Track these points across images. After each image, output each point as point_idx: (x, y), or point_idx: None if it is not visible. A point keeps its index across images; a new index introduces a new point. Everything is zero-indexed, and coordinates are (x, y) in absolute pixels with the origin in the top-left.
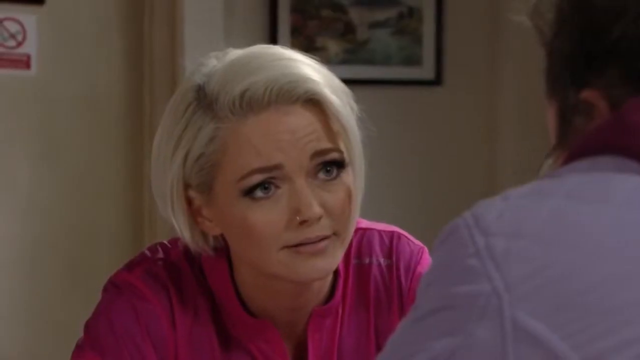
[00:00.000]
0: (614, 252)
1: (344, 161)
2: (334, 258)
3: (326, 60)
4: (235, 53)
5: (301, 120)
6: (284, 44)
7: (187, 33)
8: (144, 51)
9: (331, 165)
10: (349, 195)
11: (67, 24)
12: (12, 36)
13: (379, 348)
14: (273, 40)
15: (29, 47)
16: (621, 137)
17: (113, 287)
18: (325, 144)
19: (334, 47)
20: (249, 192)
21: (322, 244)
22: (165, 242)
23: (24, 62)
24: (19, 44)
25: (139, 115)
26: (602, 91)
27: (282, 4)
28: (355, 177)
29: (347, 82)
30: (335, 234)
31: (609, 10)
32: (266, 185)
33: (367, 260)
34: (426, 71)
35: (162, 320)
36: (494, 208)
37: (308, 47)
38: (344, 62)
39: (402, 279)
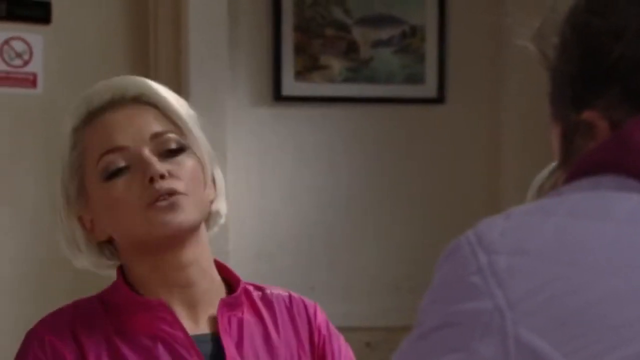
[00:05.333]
0: (616, 269)
1: (183, 144)
2: (187, 213)
3: (329, 78)
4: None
5: (137, 113)
6: (287, 62)
7: (192, 51)
8: (150, 69)
9: (175, 150)
10: (192, 168)
11: (73, 42)
12: (19, 55)
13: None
14: (277, 58)
15: (35, 66)
16: (622, 157)
17: (25, 339)
18: (161, 128)
19: (337, 65)
20: (106, 172)
21: (173, 198)
22: None
23: (30, 81)
24: (26, 62)
25: None
26: (603, 111)
27: (285, 22)
28: (200, 163)
29: (350, 100)
30: (185, 192)
31: (608, 31)
32: (120, 169)
33: (268, 291)
34: (429, 89)
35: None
36: (497, 226)
37: (311, 65)
38: (347, 80)
39: (308, 309)
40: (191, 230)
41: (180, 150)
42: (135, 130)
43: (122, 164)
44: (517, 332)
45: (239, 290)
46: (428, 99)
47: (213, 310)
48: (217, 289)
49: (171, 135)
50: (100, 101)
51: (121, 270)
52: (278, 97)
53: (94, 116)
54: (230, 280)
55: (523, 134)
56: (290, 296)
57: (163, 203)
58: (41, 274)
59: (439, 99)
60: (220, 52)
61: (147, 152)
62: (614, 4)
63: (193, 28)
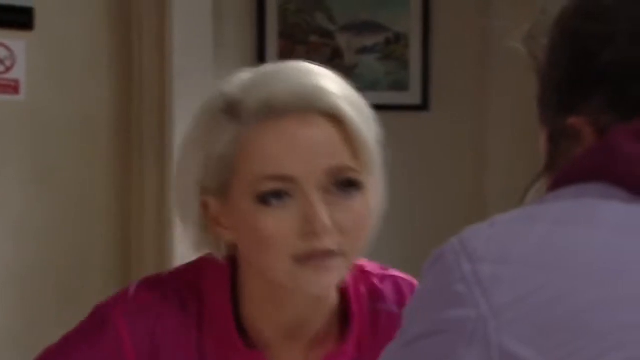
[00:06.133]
0: (601, 277)
1: (360, 182)
2: (339, 276)
3: None
4: (267, 65)
5: (319, 133)
6: None
7: (176, 58)
8: (134, 75)
9: (347, 184)
10: (361, 216)
11: (56, 49)
12: (1, 61)
13: None
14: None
15: (18, 72)
16: (607, 165)
17: (95, 317)
18: (342, 162)
19: None
20: (262, 198)
21: (328, 262)
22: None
23: (13, 88)
24: (8, 69)
25: (128, 139)
26: (589, 117)
27: (270, 29)
28: (371, 200)
29: None
30: (343, 253)
31: (597, 37)
32: (280, 194)
33: (380, 306)
34: (413, 96)
35: None
36: (481, 234)
37: None
38: None
39: None
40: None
41: (354, 187)
42: (310, 158)
43: (283, 190)
44: (501, 341)
45: (350, 336)
46: (412, 105)
47: (314, 353)
48: (329, 327)
49: (351, 174)
50: (282, 104)
51: (231, 267)
52: None
53: (267, 117)
54: (347, 306)
55: (508, 141)
56: (399, 305)
57: (315, 263)
58: (26, 281)
59: (423, 106)
60: (204, 59)
61: (316, 195)
62: (604, 8)
63: (177, 35)
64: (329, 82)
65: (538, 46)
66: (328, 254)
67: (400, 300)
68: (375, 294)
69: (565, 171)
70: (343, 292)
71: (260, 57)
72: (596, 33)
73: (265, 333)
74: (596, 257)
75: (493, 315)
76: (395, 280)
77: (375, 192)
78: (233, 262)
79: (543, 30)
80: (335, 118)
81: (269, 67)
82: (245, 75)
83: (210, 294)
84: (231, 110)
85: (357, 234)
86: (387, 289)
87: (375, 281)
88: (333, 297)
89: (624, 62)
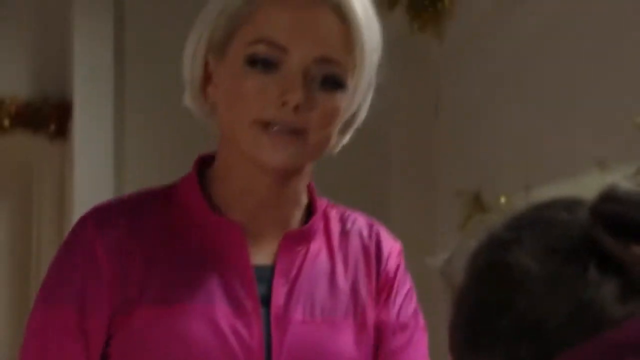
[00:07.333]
0: None
1: (343, 82)
2: (296, 157)
3: None
4: None
5: (323, 22)
6: None
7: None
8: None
9: (331, 81)
10: (333, 112)
11: None
12: None
13: (354, 295)
14: None
15: None
16: None
17: (68, 239)
18: (334, 55)
19: None
20: (250, 59)
21: (288, 136)
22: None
23: None
24: None
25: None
26: None
27: None
28: (348, 101)
29: None
30: (305, 133)
31: (496, 301)
32: (268, 62)
33: (349, 226)
34: None
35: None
36: None
37: None
38: None
39: (383, 250)
40: (294, 170)
41: (336, 86)
42: (306, 38)
43: (273, 60)
44: None
45: (313, 220)
46: None
47: (280, 238)
48: (296, 214)
49: (336, 70)
50: None
51: (200, 162)
52: None
53: None
54: (313, 204)
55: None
56: (370, 229)
57: (275, 132)
58: None
59: None
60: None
61: (300, 73)
62: (509, 273)
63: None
64: None
65: (455, 278)
66: (291, 127)
67: (371, 230)
68: (346, 218)
69: None
70: (311, 198)
71: None
72: (496, 298)
73: (234, 210)
74: None
75: None
76: (367, 216)
77: (356, 95)
78: (206, 160)
79: (460, 267)
80: (342, 16)
81: None
82: None
83: (181, 184)
84: None
85: (327, 123)
86: (359, 216)
87: (348, 210)
88: (300, 193)
89: (519, 328)
